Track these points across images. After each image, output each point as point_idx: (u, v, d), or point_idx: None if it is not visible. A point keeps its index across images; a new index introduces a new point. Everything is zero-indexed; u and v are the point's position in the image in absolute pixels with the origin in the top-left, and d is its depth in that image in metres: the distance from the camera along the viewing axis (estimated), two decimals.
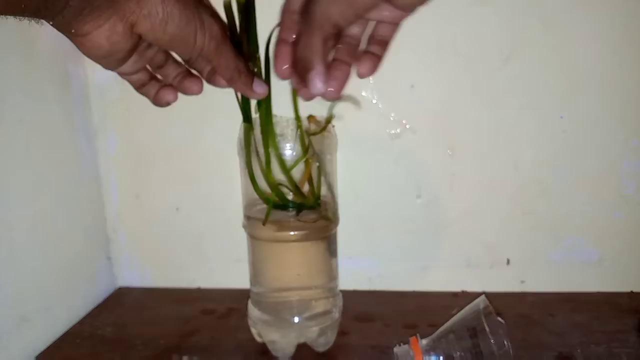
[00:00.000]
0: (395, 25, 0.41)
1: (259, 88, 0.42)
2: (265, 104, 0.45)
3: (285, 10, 0.41)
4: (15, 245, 0.51)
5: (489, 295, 0.46)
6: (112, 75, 0.40)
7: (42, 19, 0.30)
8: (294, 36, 0.40)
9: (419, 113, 0.60)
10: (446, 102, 0.60)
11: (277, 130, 0.47)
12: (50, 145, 0.57)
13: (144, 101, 0.43)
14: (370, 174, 0.63)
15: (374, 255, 0.65)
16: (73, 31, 0.31)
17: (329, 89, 0.39)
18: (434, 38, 0.58)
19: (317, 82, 0.38)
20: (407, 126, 0.61)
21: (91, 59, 0.34)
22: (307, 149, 0.47)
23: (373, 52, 0.41)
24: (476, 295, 0.48)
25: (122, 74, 0.41)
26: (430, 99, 0.60)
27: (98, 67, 0.36)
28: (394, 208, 0.63)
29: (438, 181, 0.62)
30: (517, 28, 0.57)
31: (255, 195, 0.49)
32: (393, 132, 0.61)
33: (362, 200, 0.63)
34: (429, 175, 0.62)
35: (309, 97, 0.41)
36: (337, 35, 0.39)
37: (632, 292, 0.63)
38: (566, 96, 0.58)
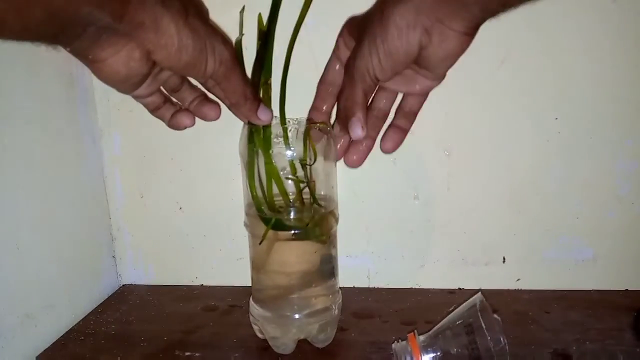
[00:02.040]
0: (423, 96, 0.43)
1: (263, 115, 0.43)
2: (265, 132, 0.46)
3: (321, 82, 0.45)
4: (20, 244, 0.52)
5: (485, 293, 0.47)
6: None
7: (59, 44, 0.30)
8: (325, 107, 0.44)
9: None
10: (443, 105, 0.60)
11: (278, 131, 0.47)
12: (55, 145, 0.58)
13: None
14: (368, 174, 0.63)
15: (372, 254, 0.66)
16: (90, 57, 0.32)
17: (352, 161, 0.45)
18: None
19: (358, 129, 0.41)
20: None
21: (107, 84, 0.35)
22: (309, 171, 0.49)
23: (399, 126, 0.44)
24: (473, 292, 0.48)
25: (136, 97, 0.42)
26: (428, 102, 0.60)
27: None
28: (392, 207, 0.64)
29: (435, 181, 0.63)
30: (513, 32, 0.57)
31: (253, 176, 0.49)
32: None
33: (361, 200, 0.64)
34: (427, 176, 0.63)
35: (352, 164, 0.46)
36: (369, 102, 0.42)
37: (626, 290, 0.63)
38: (560, 98, 0.59)
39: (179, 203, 0.67)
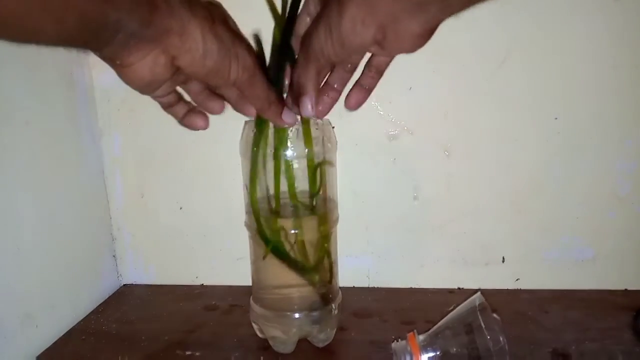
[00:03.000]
0: (393, 57, 0.43)
1: (288, 118, 0.43)
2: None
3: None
4: (21, 244, 0.52)
5: (485, 292, 0.47)
6: (116, 77, 0.41)
7: (90, 50, 0.31)
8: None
9: (416, 115, 0.61)
10: (443, 104, 0.60)
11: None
12: (55, 146, 0.58)
13: (148, 102, 0.44)
14: (368, 174, 0.63)
15: (372, 253, 0.66)
16: (118, 62, 0.33)
17: (319, 111, 0.43)
18: (431, 41, 0.59)
19: (308, 107, 0.41)
20: (405, 128, 0.62)
21: (131, 87, 0.35)
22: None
23: (363, 85, 0.44)
24: (472, 292, 0.48)
25: (153, 96, 0.42)
26: (428, 101, 0.60)
27: (103, 69, 0.37)
28: (392, 207, 0.64)
29: (435, 181, 0.63)
30: (514, 31, 0.57)
31: (256, 195, 0.50)
32: (391, 133, 0.62)
33: (361, 200, 0.64)
34: (426, 175, 0.63)
35: (317, 115, 0.44)
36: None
37: (626, 289, 0.63)
38: (561, 98, 0.59)
39: (179, 203, 0.67)
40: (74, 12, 0.27)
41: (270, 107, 0.42)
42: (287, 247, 0.49)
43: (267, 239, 0.49)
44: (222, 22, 0.35)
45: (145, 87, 0.36)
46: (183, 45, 0.33)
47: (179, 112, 0.44)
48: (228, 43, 0.35)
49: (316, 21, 0.38)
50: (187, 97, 0.45)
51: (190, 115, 0.44)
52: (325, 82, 0.44)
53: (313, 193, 0.49)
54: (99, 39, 0.30)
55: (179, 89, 0.44)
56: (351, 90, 0.44)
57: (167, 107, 0.44)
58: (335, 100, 0.44)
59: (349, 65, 0.43)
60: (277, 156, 0.48)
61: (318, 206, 0.50)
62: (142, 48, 0.32)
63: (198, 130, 0.45)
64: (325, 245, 0.51)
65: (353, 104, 0.45)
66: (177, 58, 0.34)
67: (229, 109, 0.46)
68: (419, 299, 0.63)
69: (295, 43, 0.44)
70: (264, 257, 0.49)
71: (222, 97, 0.45)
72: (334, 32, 0.36)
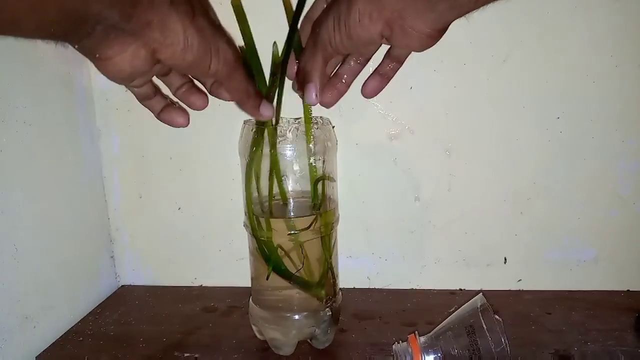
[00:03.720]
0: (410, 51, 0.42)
1: (265, 111, 0.43)
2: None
3: (306, 17, 0.44)
4: (18, 245, 0.52)
5: (486, 294, 0.47)
6: None
7: (68, 42, 0.31)
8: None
9: (417, 114, 0.61)
10: (444, 104, 0.60)
11: (278, 131, 0.47)
12: (53, 146, 0.58)
13: None
14: (369, 174, 0.63)
15: (373, 254, 0.66)
16: (97, 55, 0.32)
17: (324, 101, 0.43)
18: None
19: (312, 94, 0.41)
20: (406, 127, 0.61)
21: (111, 79, 0.35)
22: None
23: (382, 74, 0.43)
24: (474, 293, 0.48)
25: (129, 86, 0.42)
26: (429, 101, 0.60)
27: None
28: (393, 208, 0.64)
29: (436, 181, 0.63)
30: (515, 30, 0.57)
31: (256, 194, 0.49)
32: (392, 133, 0.62)
33: (362, 200, 0.64)
34: (428, 176, 0.62)
35: (324, 103, 0.44)
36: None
37: (628, 290, 0.63)
38: (563, 97, 0.59)
39: (178, 203, 0.67)
40: (55, 3, 0.27)
41: (248, 99, 0.41)
42: (290, 263, 0.49)
43: (268, 257, 0.49)
44: (203, 15, 0.35)
45: (124, 80, 0.35)
46: (164, 40, 0.33)
47: (155, 106, 0.44)
48: (209, 36, 0.35)
49: (327, 10, 0.38)
50: (167, 92, 0.45)
51: (169, 110, 0.44)
52: (335, 73, 0.44)
53: (315, 204, 0.49)
54: (79, 31, 0.30)
55: (159, 82, 0.44)
56: (369, 78, 0.44)
57: (143, 99, 0.43)
58: (343, 92, 0.44)
59: (360, 58, 0.43)
60: (273, 155, 0.48)
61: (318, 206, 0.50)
62: (122, 41, 0.32)
63: (178, 127, 0.44)
64: (327, 258, 0.51)
65: (369, 92, 0.44)
66: (157, 51, 0.33)
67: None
68: (420, 300, 0.63)
69: (308, 26, 0.43)
70: (267, 278, 0.49)
71: (204, 93, 0.44)
72: (342, 24, 0.36)
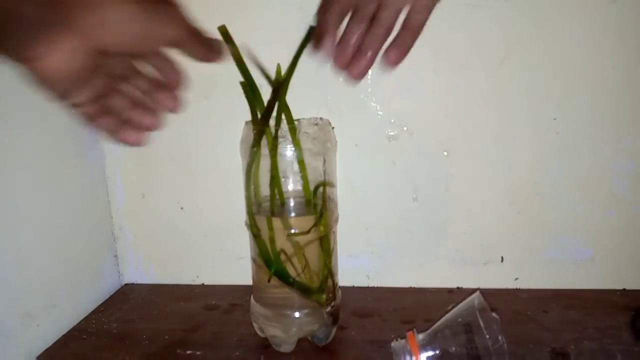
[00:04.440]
0: (426, 11, 0.41)
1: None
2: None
3: None
4: (22, 244, 0.52)
5: (484, 292, 0.47)
6: None
7: None
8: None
9: (416, 115, 0.61)
10: (442, 105, 0.60)
11: (278, 132, 0.48)
12: (57, 146, 0.58)
13: None
14: (368, 174, 0.63)
15: (372, 253, 0.66)
16: (25, 56, 0.27)
17: (353, 74, 0.42)
18: (431, 41, 0.59)
19: (329, 46, 0.40)
20: (405, 128, 0.62)
21: (48, 87, 0.30)
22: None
23: (401, 41, 0.42)
24: (471, 291, 0.48)
25: (74, 105, 0.36)
26: (427, 102, 0.61)
27: None
28: (391, 207, 0.64)
29: (435, 181, 0.63)
30: (512, 31, 0.58)
31: (257, 193, 0.50)
32: (391, 133, 0.62)
33: (361, 200, 0.64)
34: (426, 176, 0.63)
35: (340, 67, 0.43)
36: (370, 18, 0.41)
37: (624, 289, 0.64)
38: (559, 98, 0.59)
39: (180, 203, 0.68)
40: None
41: (214, 54, 0.37)
42: (290, 267, 0.49)
43: (270, 261, 0.49)
44: None
45: (64, 82, 0.29)
46: (99, 20, 0.28)
47: (107, 126, 0.38)
48: (150, 1, 0.31)
49: None
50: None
51: (123, 129, 0.38)
52: (361, 44, 0.42)
53: (315, 204, 0.50)
54: None
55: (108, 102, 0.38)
56: (389, 47, 0.43)
57: (91, 119, 0.37)
58: (372, 61, 0.43)
59: (383, 22, 0.41)
60: (273, 155, 0.48)
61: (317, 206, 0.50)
62: (52, 33, 0.27)
63: (134, 146, 0.40)
64: (327, 263, 0.51)
65: (392, 60, 0.43)
66: (96, 38, 0.28)
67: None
68: (419, 299, 0.63)
69: None
70: (268, 281, 0.49)
71: (155, 112, 0.39)
72: None
